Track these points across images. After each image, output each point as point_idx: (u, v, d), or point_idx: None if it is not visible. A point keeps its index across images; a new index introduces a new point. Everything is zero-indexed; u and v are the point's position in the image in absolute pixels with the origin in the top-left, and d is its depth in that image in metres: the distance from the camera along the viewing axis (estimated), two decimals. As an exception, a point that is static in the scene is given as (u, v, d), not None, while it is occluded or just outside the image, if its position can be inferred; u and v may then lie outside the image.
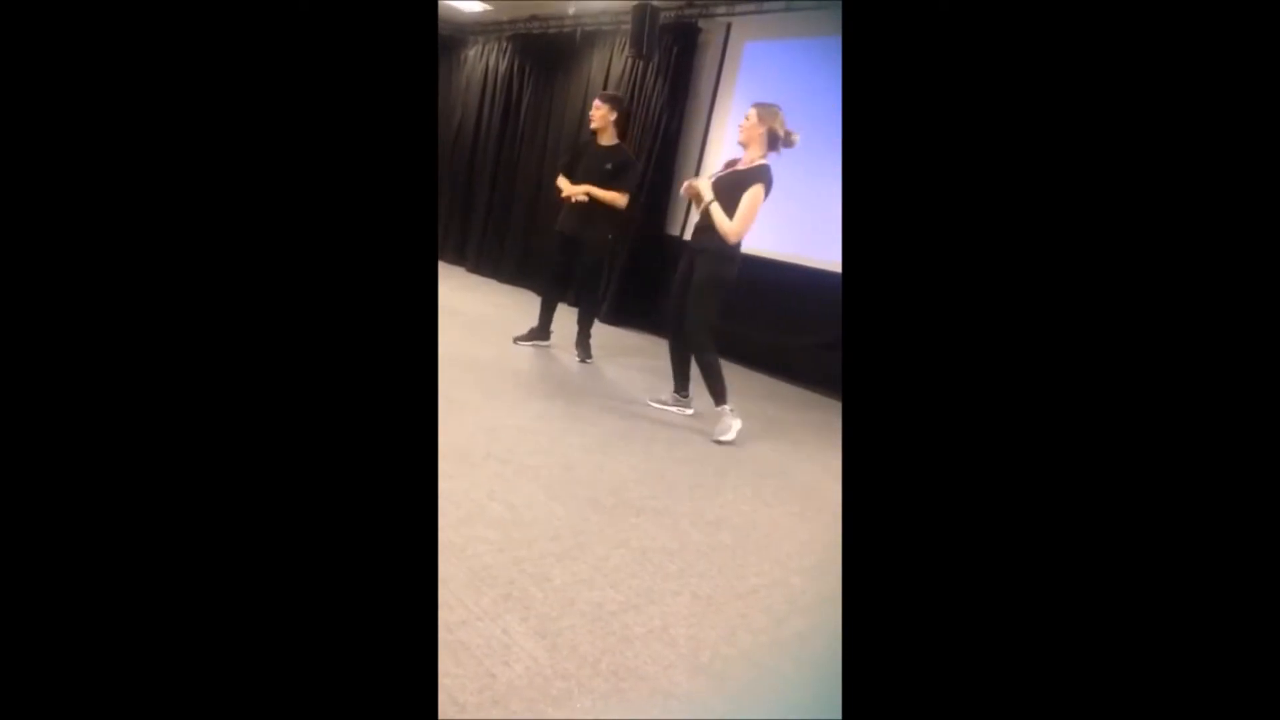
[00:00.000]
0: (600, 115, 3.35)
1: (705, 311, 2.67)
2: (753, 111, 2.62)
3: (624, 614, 1.34)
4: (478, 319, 4.20)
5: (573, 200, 3.33)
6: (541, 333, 3.63)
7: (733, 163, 2.70)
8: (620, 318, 4.80)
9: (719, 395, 2.67)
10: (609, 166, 3.34)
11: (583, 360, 3.50)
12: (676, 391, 2.92)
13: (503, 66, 6.14)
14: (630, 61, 4.96)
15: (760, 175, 2.56)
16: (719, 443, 2.58)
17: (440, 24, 6.55)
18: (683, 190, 2.73)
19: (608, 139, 3.40)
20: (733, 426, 2.62)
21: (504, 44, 6.14)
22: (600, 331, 3.89)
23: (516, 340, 3.61)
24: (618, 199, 3.34)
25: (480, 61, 6.39)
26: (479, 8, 5.98)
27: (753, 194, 2.54)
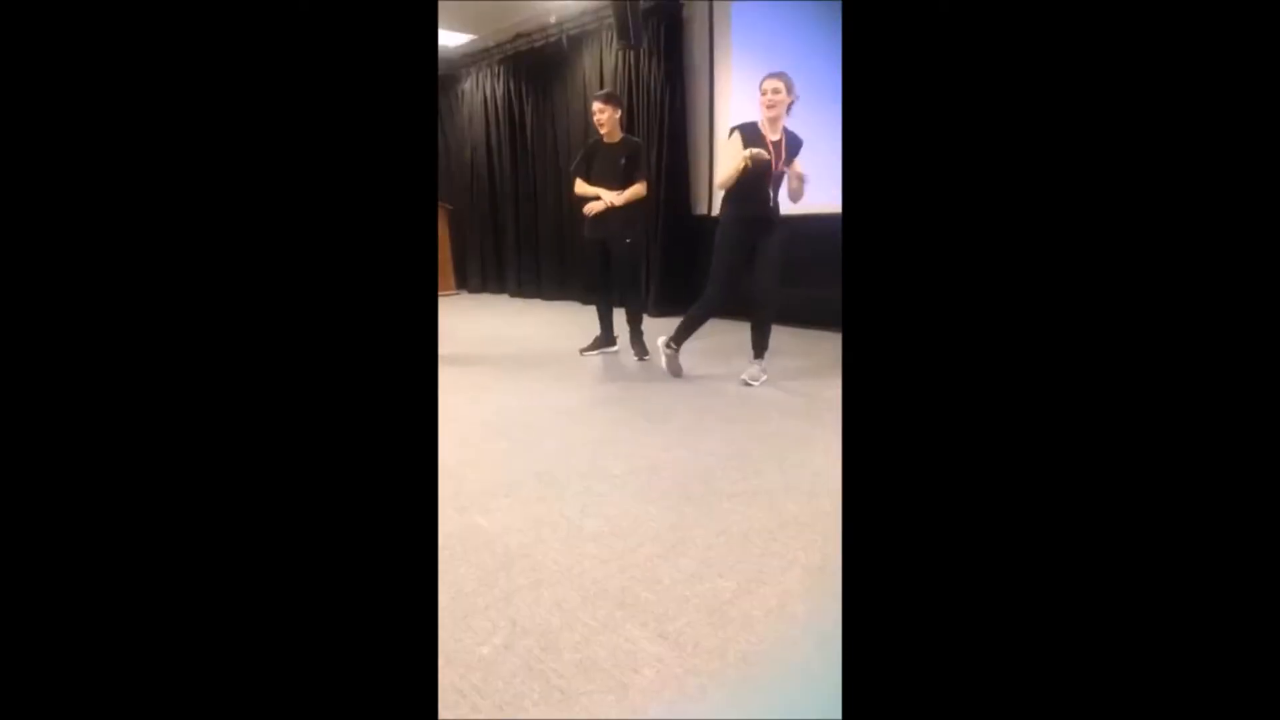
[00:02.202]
0: (606, 117, 3.35)
1: (713, 267, 2.93)
2: (780, 84, 2.70)
3: (739, 600, 1.34)
4: (531, 342, 4.27)
5: (592, 210, 3.36)
6: (606, 340, 3.66)
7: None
8: (667, 306, 4.80)
9: (675, 336, 3.04)
10: (622, 161, 3.35)
11: (640, 358, 3.51)
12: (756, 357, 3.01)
13: (500, 91, 6.21)
14: (621, 53, 4.94)
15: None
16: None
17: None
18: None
19: (614, 136, 3.41)
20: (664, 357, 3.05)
21: (496, 69, 6.21)
22: (653, 325, 3.89)
23: (583, 352, 3.66)
24: (639, 191, 3.36)
25: (477, 92, 6.48)
26: (464, 39, 6.06)
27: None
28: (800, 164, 2.82)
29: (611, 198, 3.32)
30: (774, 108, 2.68)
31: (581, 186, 3.45)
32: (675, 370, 3.09)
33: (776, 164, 2.75)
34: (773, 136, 2.74)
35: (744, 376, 2.96)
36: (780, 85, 2.67)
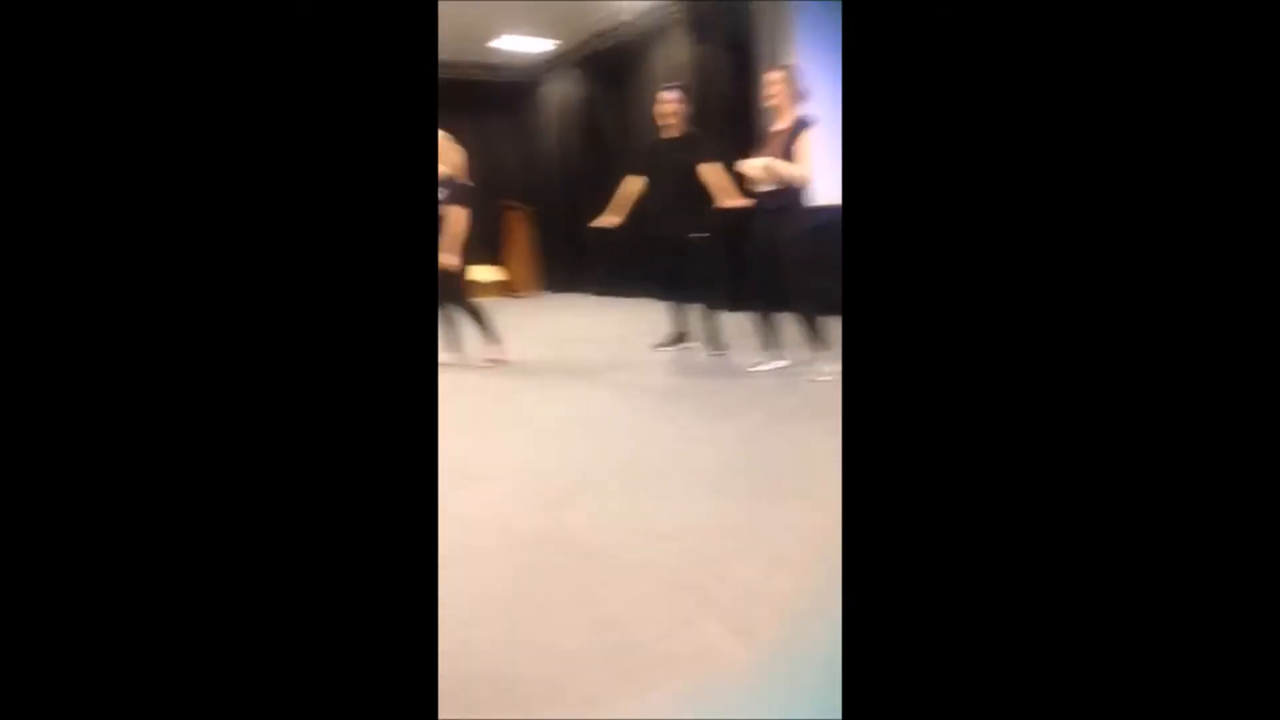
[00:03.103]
0: (672, 109, 3.32)
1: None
2: (780, 76, 2.82)
3: (818, 601, 1.34)
4: (609, 339, 4.34)
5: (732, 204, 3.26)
6: (681, 336, 3.67)
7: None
8: (740, 301, 4.74)
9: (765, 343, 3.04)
10: (683, 154, 3.31)
11: (714, 353, 3.50)
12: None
13: (578, 93, 6.31)
14: (693, 48, 4.92)
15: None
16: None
17: (510, 69, 6.85)
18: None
19: (676, 130, 3.36)
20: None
21: (573, 71, 6.32)
22: (726, 320, 3.87)
23: (657, 347, 3.67)
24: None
25: (556, 95, 6.61)
26: (545, 44, 6.19)
27: None
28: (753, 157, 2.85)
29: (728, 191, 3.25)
30: (771, 99, 2.84)
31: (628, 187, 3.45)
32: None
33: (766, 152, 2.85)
34: (779, 126, 2.83)
35: (809, 375, 2.94)
36: (778, 77, 2.79)
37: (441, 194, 3.42)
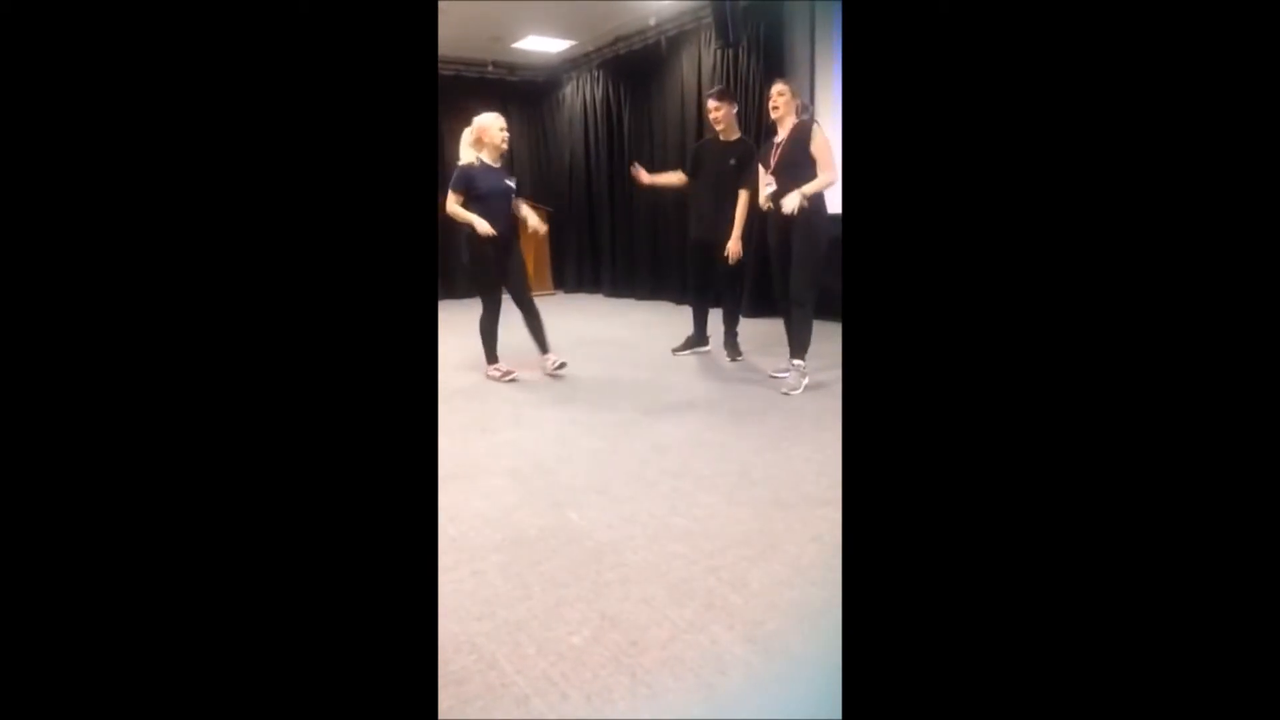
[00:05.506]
0: (723, 114, 3.31)
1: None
2: (785, 88, 2.88)
3: (831, 611, 1.31)
4: (624, 341, 4.32)
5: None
6: (699, 340, 3.66)
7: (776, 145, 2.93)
8: (761, 308, 4.72)
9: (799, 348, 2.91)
10: (732, 162, 3.31)
11: (733, 359, 3.48)
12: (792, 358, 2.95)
13: (599, 95, 6.32)
14: (719, 52, 4.91)
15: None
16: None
17: (531, 69, 6.87)
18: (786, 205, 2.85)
19: (730, 134, 3.37)
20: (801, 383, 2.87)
21: (595, 73, 6.32)
22: (747, 325, 3.85)
23: (675, 352, 3.66)
24: (744, 209, 3.28)
25: (577, 97, 6.62)
26: (565, 44, 6.21)
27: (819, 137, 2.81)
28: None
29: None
30: (775, 111, 2.88)
31: (640, 175, 3.55)
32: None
33: (770, 163, 2.92)
34: (779, 138, 2.89)
35: (775, 373, 3.01)
36: (781, 89, 2.88)
37: (512, 180, 3.27)
